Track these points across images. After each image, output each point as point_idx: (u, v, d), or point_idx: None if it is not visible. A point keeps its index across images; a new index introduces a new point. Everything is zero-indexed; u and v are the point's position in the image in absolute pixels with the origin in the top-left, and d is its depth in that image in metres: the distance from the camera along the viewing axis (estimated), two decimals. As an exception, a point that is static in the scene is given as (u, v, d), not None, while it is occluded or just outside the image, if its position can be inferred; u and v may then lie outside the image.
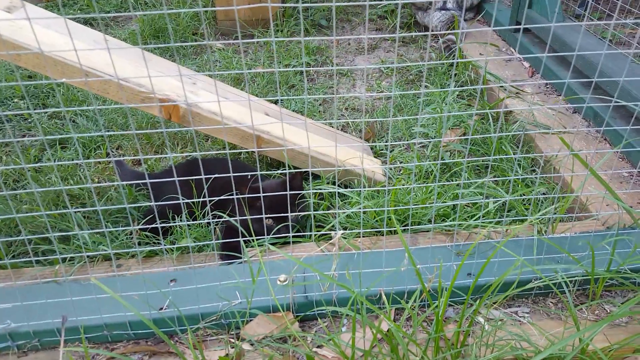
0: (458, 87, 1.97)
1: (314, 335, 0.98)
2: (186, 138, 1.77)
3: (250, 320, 1.00)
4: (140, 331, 1.01)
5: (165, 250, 1.19)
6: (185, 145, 1.74)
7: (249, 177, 1.08)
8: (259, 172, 0.83)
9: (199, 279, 1.05)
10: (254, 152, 1.45)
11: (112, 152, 1.72)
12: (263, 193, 0.95)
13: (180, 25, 2.50)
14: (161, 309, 1.00)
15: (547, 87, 1.92)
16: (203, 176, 0.82)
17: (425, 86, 2.08)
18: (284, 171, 1.28)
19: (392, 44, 2.57)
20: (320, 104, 2.03)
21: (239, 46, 2.46)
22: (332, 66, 2.19)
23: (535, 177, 1.41)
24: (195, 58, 2.39)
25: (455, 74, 2.08)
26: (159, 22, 2.45)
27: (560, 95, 1.86)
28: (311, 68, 0.72)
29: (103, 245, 1.18)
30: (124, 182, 1.39)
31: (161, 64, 1.54)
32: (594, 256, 0.89)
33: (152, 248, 1.05)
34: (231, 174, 0.84)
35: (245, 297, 0.99)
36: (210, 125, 1.27)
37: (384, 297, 0.99)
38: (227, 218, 1.02)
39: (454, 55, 2.20)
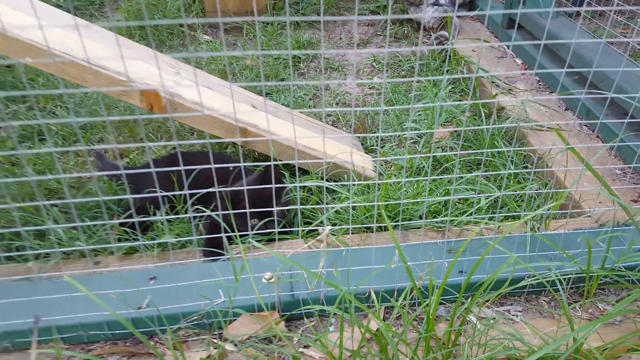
0: (450, 82, 1.94)
1: (300, 336, 0.95)
2: (170, 131, 1.72)
3: (234, 320, 0.96)
4: (118, 331, 0.96)
5: (146, 246, 1.14)
6: (170, 139, 1.69)
7: (231, 169, 1.04)
8: (242, 164, 0.78)
9: (180, 277, 1.01)
10: (240, 146, 1.40)
11: (93, 144, 1.66)
12: (244, 193, 0.91)
13: (167, 17, 2.44)
14: (140, 308, 0.96)
15: (540, 85, 1.90)
16: (182, 167, 0.78)
17: (418, 81, 2.05)
18: (268, 163, 1.24)
19: (384, 39, 2.53)
20: (310, 99, 1.99)
21: (227, 39, 2.41)
22: (321, 58, 2.15)
23: (528, 172, 1.39)
24: (182, 50, 2.33)
25: (448, 70, 2.05)
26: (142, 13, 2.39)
27: (552, 92, 1.85)
28: (298, 52, 0.68)
29: (80, 241, 1.13)
30: (99, 173, 1.33)
31: (144, 54, 1.48)
32: (590, 253, 0.86)
33: (130, 244, 1.00)
34: (212, 165, 0.79)
35: (228, 295, 0.95)
36: (196, 119, 1.22)
37: (373, 295, 0.95)
38: (210, 213, 0.98)
39: (446, 51, 2.17)
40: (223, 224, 0.95)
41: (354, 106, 1.13)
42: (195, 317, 0.95)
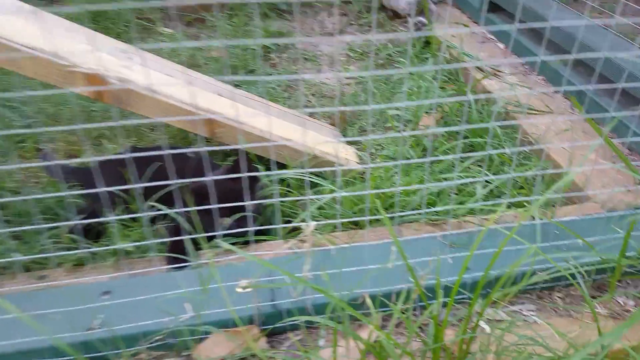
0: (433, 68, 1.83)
1: (284, 354, 0.80)
2: (130, 129, 1.54)
3: (205, 338, 0.80)
4: (64, 358, 0.80)
5: (98, 255, 0.98)
6: (129, 135, 1.51)
7: (192, 155, 0.89)
8: (205, 148, 0.63)
9: (139, 290, 0.85)
10: (209, 139, 1.25)
11: (42, 145, 1.47)
12: (210, 188, 0.76)
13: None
14: (90, 328, 0.80)
15: (525, 67, 1.81)
16: (131, 154, 0.62)
17: (398, 65, 1.93)
18: (237, 146, 1.08)
19: (359, 28, 2.42)
20: (284, 90, 1.85)
21: (189, 30, 2.24)
22: (295, 47, 2.01)
23: (533, 151, 1.28)
24: (141, 42, 2.15)
25: (427, 57, 1.95)
26: (98, 2, 2.19)
27: (538, 75, 1.76)
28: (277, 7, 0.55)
29: (18, 253, 0.95)
30: (32, 166, 1.15)
31: (93, 37, 1.31)
32: (627, 238, 0.74)
33: (76, 252, 0.84)
34: (169, 151, 0.64)
35: (196, 310, 0.80)
36: (150, 107, 1.06)
37: (368, 300, 0.81)
38: (170, 211, 0.83)
39: (425, 36, 2.07)
40: (187, 226, 0.79)
41: (337, 96, 1.01)
42: (158, 337, 0.80)
